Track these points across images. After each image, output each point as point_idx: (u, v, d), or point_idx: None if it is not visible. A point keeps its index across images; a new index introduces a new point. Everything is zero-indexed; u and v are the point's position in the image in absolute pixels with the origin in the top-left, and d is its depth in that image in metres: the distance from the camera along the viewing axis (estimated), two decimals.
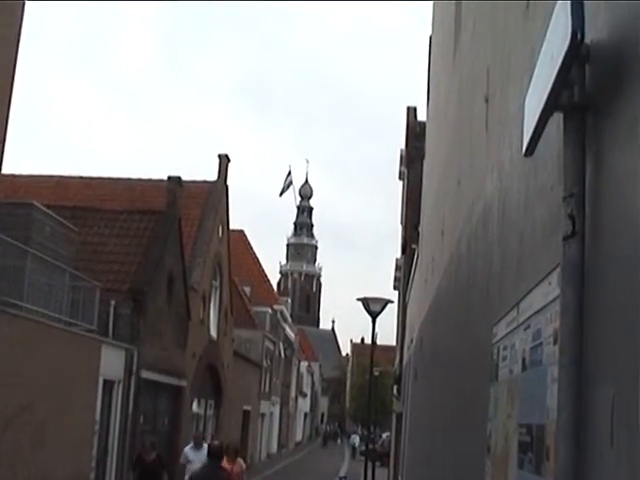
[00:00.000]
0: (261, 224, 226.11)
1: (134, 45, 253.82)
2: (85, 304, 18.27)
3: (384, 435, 53.59)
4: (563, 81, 2.36)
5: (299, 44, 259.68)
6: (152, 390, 21.87)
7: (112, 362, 19.02)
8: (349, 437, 74.03)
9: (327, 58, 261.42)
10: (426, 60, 20.20)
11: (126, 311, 19.98)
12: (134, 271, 21.01)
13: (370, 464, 23.29)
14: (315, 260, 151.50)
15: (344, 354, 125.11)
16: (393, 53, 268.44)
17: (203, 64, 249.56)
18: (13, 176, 25.91)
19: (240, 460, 13.75)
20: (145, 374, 20.67)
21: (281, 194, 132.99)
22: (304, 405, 74.95)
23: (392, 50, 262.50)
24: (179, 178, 24.31)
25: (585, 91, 2.38)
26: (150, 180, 29.86)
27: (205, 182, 30.59)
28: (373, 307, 15.81)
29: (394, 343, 42.85)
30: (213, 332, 30.03)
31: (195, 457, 14.50)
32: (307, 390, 77.85)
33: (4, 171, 15.26)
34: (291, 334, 58.46)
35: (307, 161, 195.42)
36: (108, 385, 18.94)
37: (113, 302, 19.67)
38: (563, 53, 2.26)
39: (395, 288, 39.71)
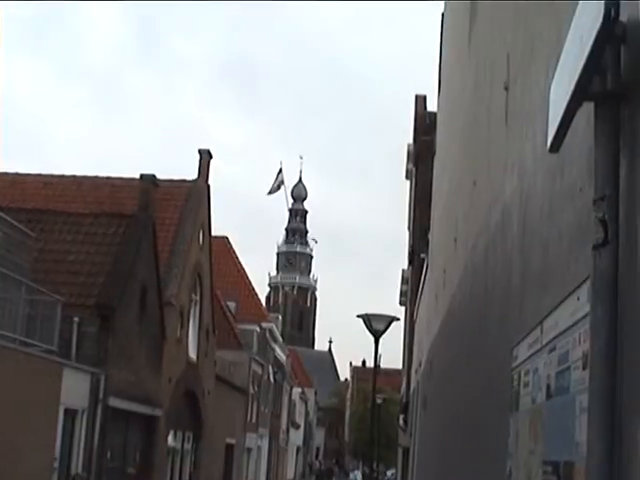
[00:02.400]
0: (248, 230, 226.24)
1: (99, 22, 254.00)
2: (44, 321, 18.17)
3: (389, 472, 53.53)
4: (595, 66, 2.35)
5: (291, 22, 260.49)
6: (121, 420, 21.79)
7: (75, 388, 18.93)
8: (347, 475, 73.89)
9: (323, 39, 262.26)
10: (438, 42, 20.29)
11: (92, 329, 19.92)
12: (101, 283, 20.96)
13: None
14: (310, 271, 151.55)
15: (343, 379, 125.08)
16: (400, 34, 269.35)
17: (179, 43, 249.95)
18: None
19: None
20: (113, 402, 20.60)
21: (270, 193, 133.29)
22: (297, 438, 74.80)
23: (398, 31, 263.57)
24: (153, 176, 24.30)
25: (620, 77, 2.38)
26: (120, 179, 29.80)
27: (183, 181, 30.59)
28: (376, 325, 15.79)
29: (400, 366, 42.88)
30: (192, 353, 29.96)
31: None
32: (300, 420, 77.68)
33: None
34: (282, 356, 58.39)
35: (301, 157, 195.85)
36: (70, 415, 18.85)
37: (77, 319, 19.60)
38: (595, 34, 2.25)
39: (401, 304, 39.72)
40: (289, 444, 68.01)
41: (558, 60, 2.82)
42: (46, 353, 17.79)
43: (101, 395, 19.97)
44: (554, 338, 3.23)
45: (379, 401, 43.26)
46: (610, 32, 2.26)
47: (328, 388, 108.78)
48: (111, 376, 20.37)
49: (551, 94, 2.87)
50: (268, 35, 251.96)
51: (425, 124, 29.03)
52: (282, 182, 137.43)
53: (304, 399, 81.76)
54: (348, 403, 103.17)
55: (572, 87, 2.47)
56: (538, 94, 4.01)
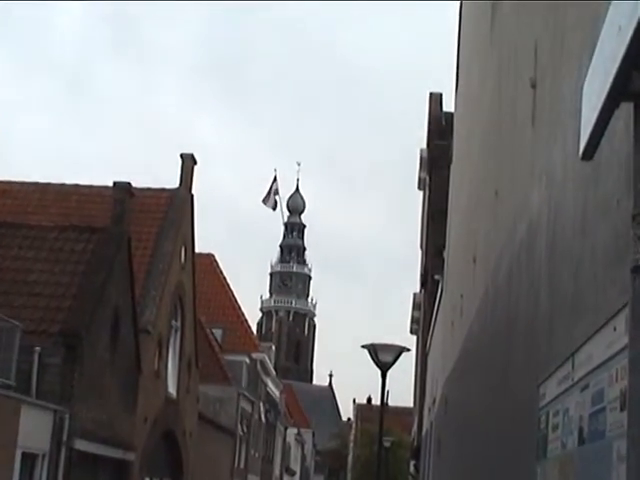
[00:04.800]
0: (237, 246, 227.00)
1: (65, 7, 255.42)
2: (0, 351, 18.14)
3: None
4: (634, 60, 2.34)
5: (285, 9, 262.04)
6: (89, 466, 21.72)
7: (35, 429, 18.87)
8: None
9: (322, 29, 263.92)
10: (455, 32, 20.37)
11: (55, 361, 19.88)
12: (67, 307, 20.94)
13: None
14: (307, 294, 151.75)
15: (345, 418, 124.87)
16: (411, 21, 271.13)
17: (157, 33, 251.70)
18: None
19: None
20: (79, 444, 20.55)
21: (264, 201, 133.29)
22: None
23: (410, 17, 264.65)
24: (128, 185, 24.33)
25: None
26: (90, 187, 29.86)
27: (163, 190, 30.64)
28: (383, 357, 15.76)
29: (411, 405, 42.80)
30: (172, 389, 29.92)
31: None
32: (296, 466, 77.51)
33: None
34: (275, 392, 58.35)
35: (298, 164, 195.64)
36: (29, 460, 18.78)
37: (38, 349, 19.57)
38: (635, 23, 2.25)
39: (413, 332, 39.71)
40: None
41: (592, 53, 2.82)
42: (2, 388, 17.74)
43: (65, 437, 19.91)
44: (587, 374, 3.22)
45: (387, 444, 43.13)
46: None
47: (328, 429, 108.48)
48: (77, 415, 20.31)
49: (584, 92, 2.86)
50: (260, 24, 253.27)
51: (440, 126, 29.15)
52: (277, 192, 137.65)
53: (300, 441, 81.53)
54: (351, 446, 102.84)
55: (608, 85, 2.46)
56: (569, 92, 4.01)
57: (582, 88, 2.92)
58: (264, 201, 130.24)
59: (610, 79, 2.44)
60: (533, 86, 5.48)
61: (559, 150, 4.33)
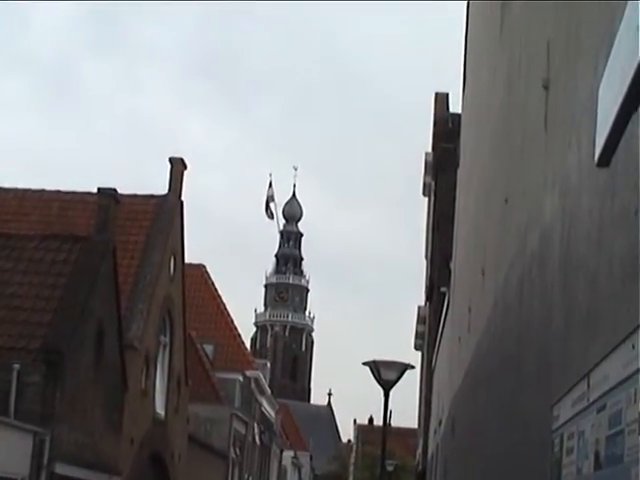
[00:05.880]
0: (230, 256, 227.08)
1: (45, 4, 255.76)
2: None
3: None
4: None
5: (281, 6, 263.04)
6: None
7: (13, 452, 18.81)
8: None
9: (320, 25, 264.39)
10: (462, 27, 20.42)
11: (35, 379, 19.85)
12: (48, 322, 20.91)
13: None
14: (305, 308, 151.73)
15: (345, 440, 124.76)
16: (415, 20, 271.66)
17: (145, 29, 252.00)
18: None
19: None
20: (61, 469, 20.50)
21: (267, 209, 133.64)
22: None
23: (413, 16, 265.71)
24: (114, 191, 24.33)
25: None
26: (73, 193, 29.83)
27: (151, 197, 30.62)
28: (386, 375, 15.75)
29: (415, 425, 42.77)
30: (160, 408, 29.86)
31: None
32: None
33: None
34: (270, 412, 58.27)
35: (294, 168, 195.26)
36: None
37: (17, 366, 19.54)
38: None
39: (417, 348, 39.70)
40: None
41: (609, 52, 2.82)
42: None
43: (45, 460, 19.87)
44: (604, 394, 3.21)
45: (389, 468, 43.10)
46: None
47: (327, 451, 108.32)
48: (58, 437, 20.28)
49: (600, 94, 2.87)
50: (254, 20, 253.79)
51: (447, 128, 29.15)
52: (272, 199, 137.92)
53: (297, 465, 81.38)
54: (351, 469, 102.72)
55: (626, 86, 2.47)
56: (584, 94, 4.01)
57: (598, 90, 2.92)
58: (266, 211, 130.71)
59: (628, 80, 2.44)
60: (545, 87, 5.49)
61: (573, 156, 4.34)
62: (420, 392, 34.21)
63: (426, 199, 37.05)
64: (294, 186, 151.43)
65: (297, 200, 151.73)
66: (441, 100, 31.59)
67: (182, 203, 31.31)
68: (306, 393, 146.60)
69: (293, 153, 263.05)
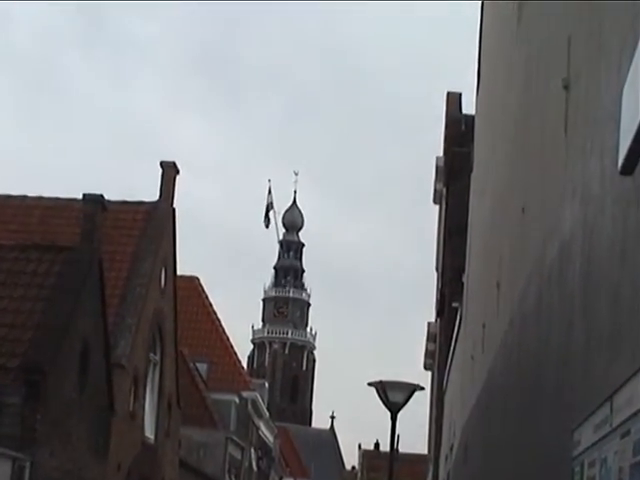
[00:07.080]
0: (225, 268, 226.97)
1: None
2: None
3: None
4: None
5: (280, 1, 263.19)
6: None
7: None
8: None
9: (324, 24, 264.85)
10: (477, 23, 20.45)
11: (15, 400, 19.83)
12: (28, 339, 20.90)
13: None
14: (306, 323, 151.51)
15: (349, 467, 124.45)
16: (423, 17, 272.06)
17: (134, 24, 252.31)
18: None
19: None
20: None
21: (266, 217, 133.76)
22: None
23: (421, 12, 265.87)
24: (101, 197, 24.33)
25: None
26: (56, 199, 29.84)
27: (141, 203, 30.63)
28: (393, 396, 15.74)
29: (424, 451, 42.66)
30: (149, 432, 29.83)
31: None
32: None
33: None
34: (269, 436, 58.19)
35: (295, 173, 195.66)
36: None
37: None
38: None
39: (427, 367, 39.68)
40: None
41: (634, 52, 2.83)
42: None
43: None
44: (628, 419, 3.22)
45: None
46: None
47: (329, 479, 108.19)
48: (40, 463, 20.26)
49: (624, 97, 2.88)
50: (252, 14, 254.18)
51: (459, 131, 29.19)
52: (271, 206, 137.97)
53: None
54: None
55: None
56: (607, 96, 4.03)
57: (621, 91, 2.93)
58: (266, 215, 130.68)
59: None
60: (566, 87, 5.50)
61: (595, 162, 4.34)
62: (430, 415, 34.19)
63: (437, 207, 37.05)
64: (294, 192, 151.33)
65: (298, 207, 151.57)
66: (453, 100, 31.62)
67: (174, 210, 31.31)
68: (307, 416, 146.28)
69: (293, 157, 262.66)
